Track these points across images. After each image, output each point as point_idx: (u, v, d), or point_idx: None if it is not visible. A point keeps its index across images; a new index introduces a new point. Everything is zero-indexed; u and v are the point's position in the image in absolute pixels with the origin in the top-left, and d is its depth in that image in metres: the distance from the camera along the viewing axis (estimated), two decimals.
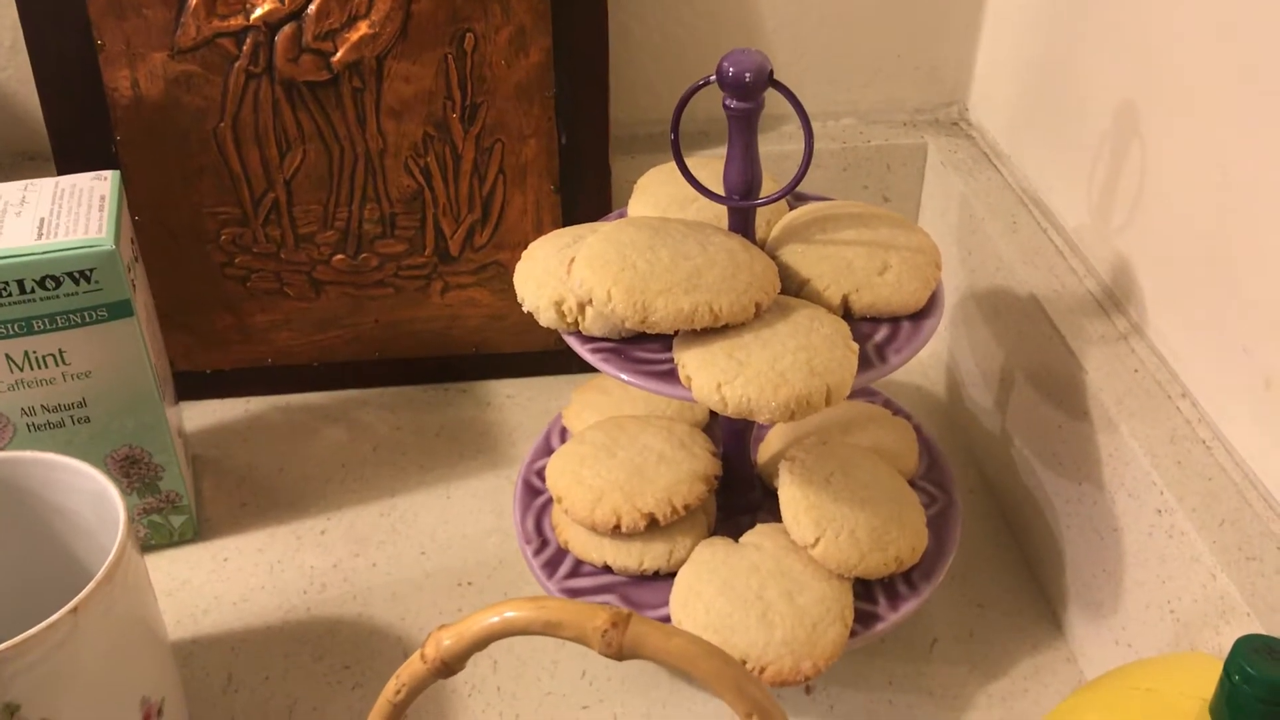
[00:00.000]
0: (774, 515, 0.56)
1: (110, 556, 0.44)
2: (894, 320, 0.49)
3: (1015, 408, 0.61)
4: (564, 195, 0.67)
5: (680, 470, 0.54)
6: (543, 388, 0.72)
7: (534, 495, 0.58)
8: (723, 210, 0.52)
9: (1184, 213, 0.52)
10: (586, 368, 0.70)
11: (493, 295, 0.69)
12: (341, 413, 0.70)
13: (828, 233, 0.51)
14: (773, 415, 0.44)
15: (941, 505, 0.57)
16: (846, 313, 0.49)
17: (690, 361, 0.45)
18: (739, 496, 0.57)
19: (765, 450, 0.59)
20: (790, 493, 0.52)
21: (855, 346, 0.46)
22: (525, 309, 0.50)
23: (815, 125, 0.74)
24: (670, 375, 0.46)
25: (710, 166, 0.53)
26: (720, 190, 0.49)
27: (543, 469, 0.59)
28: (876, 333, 0.49)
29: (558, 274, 0.49)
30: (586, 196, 0.67)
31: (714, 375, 0.44)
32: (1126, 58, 0.56)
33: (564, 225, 0.67)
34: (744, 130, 0.47)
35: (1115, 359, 0.54)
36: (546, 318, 0.49)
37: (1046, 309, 0.58)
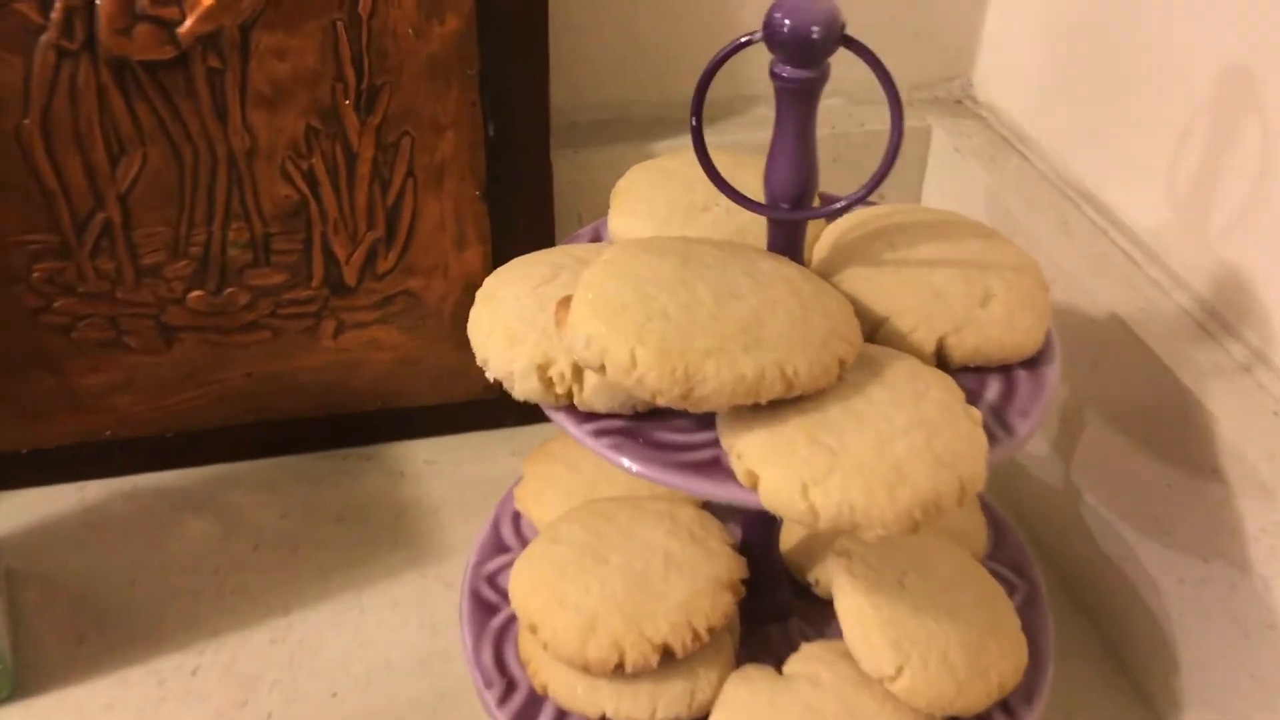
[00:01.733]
0: (809, 622, 0.43)
1: None
2: (1005, 369, 0.36)
3: (1085, 456, 0.49)
4: (492, 202, 0.52)
5: (697, 577, 0.39)
6: (471, 448, 0.57)
7: (487, 612, 0.43)
8: (743, 223, 0.38)
9: None
10: (527, 418, 0.56)
11: (402, 334, 0.54)
12: (208, 497, 0.55)
13: (899, 250, 0.37)
14: (888, 528, 0.30)
15: (1024, 595, 0.44)
16: (941, 362, 0.35)
17: (751, 449, 0.31)
18: (764, 599, 0.43)
19: (790, 534, 0.45)
20: (854, 604, 0.38)
21: (978, 415, 0.32)
22: (490, 375, 0.35)
23: None
24: (712, 467, 0.32)
25: (716, 159, 0.38)
26: (758, 196, 0.35)
27: (495, 573, 0.45)
28: (986, 389, 0.35)
29: (539, 324, 0.34)
30: (523, 203, 0.53)
31: (795, 472, 0.30)
32: (1229, 8, 0.44)
33: (493, 240, 0.53)
34: (800, 110, 0.33)
35: (1243, 396, 0.42)
36: (524, 387, 0.34)
37: (1136, 331, 0.45)
